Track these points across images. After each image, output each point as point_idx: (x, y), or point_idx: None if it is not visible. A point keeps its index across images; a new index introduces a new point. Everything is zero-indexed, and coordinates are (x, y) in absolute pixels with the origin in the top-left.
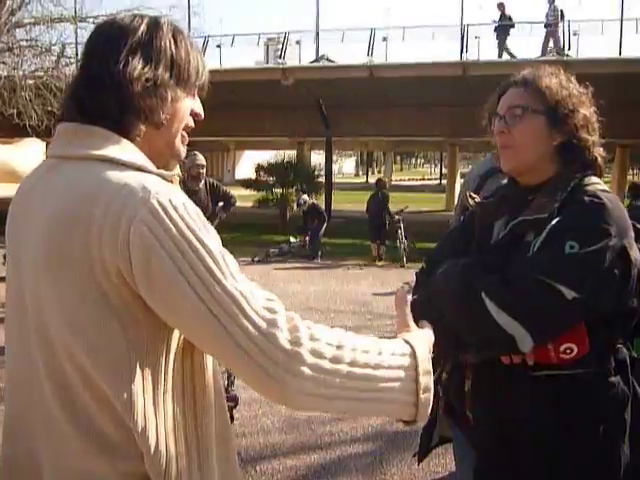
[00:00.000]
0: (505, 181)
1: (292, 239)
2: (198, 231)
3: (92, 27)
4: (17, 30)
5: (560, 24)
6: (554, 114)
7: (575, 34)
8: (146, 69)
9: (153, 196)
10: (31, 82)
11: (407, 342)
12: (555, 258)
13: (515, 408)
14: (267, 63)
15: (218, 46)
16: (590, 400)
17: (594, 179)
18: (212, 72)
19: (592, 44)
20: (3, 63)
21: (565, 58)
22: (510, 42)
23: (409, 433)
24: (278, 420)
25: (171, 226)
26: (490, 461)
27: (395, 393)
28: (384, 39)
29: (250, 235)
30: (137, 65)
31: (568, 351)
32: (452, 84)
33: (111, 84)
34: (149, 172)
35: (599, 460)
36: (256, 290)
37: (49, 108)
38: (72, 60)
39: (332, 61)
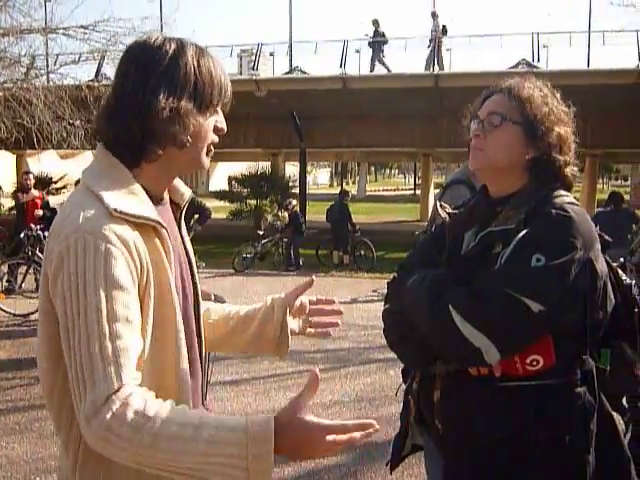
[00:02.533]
0: (463, 191)
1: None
2: (92, 277)
3: (62, 38)
4: None
5: (443, 39)
6: (531, 128)
7: (544, 46)
8: (170, 99)
9: (85, 232)
10: (0, 94)
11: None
12: (521, 271)
13: (482, 418)
14: (240, 75)
15: None
16: (556, 411)
17: (562, 192)
18: None
19: (561, 56)
20: None
21: (534, 70)
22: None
23: (382, 444)
24: None
25: (78, 263)
26: (457, 470)
27: (216, 467)
28: (357, 51)
29: (225, 247)
30: (162, 96)
31: (534, 363)
32: (424, 95)
33: (138, 114)
34: (120, 215)
35: (565, 471)
36: (123, 355)
37: (19, 120)
38: (42, 72)
39: (305, 73)
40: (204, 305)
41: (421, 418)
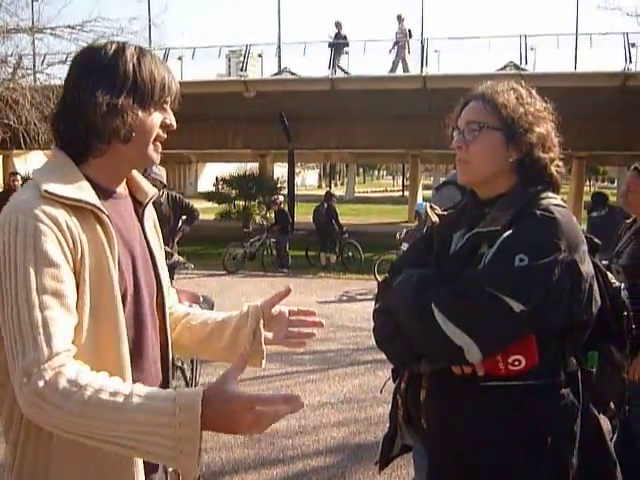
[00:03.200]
0: (452, 192)
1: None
2: (22, 252)
3: (49, 38)
4: None
5: (407, 42)
6: (510, 131)
7: (532, 49)
8: (108, 96)
9: (15, 211)
10: None
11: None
12: (504, 271)
13: (466, 418)
14: (229, 76)
15: (179, 58)
16: (540, 411)
17: (550, 194)
18: None
19: (549, 58)
20: None
21: (522, 72)
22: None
23: (371, 445)
24: (240, 435)
25: (10, 240)
26: (442, 469)
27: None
28: (346, 53)
29: (212, 248)
30: (101, 93)
31: (516, 363)
32: (413, 97)
33: (80, 112)
34: (51, 196)
35: (549, 471)
36: (53, 325)
37: (5, 120)
38: (29, 72)
39: (294, 74)
40: (186, 310)
41: (409, 418)
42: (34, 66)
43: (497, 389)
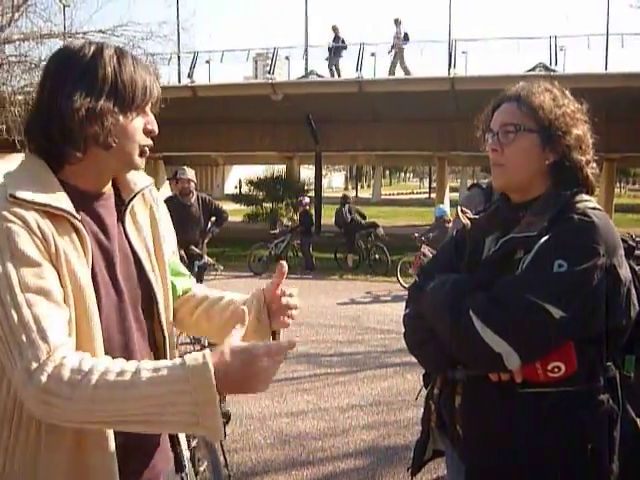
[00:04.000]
0: (475, 194)
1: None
2: (2, 256)
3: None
4: (6, 46)
5: (404, 45)
6: (547, 133)
7: (562, 49)
8: (87, 100)
9: None
10: (20, 98)
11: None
12: (543, 277)
13: (503, 425)
14: (256, 78)
15: (207, 62)
16: (579, 418)
17: (585, 197)
18: (201, 88)
19: (579, 59)
20: None
21: (552, 73)
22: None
23: (401, 448)
24: (269, 436)
25: None
26: (478, 474)
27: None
28: (372, 54)
29: (241, 250)
30: (79, 97)
31: (556, 370)
32: (440, 99)
33: (56, 117)
34: (18, 201)
35: (588, 478)
36: (44, 320)
37: None
38: None
39: (321, 76)
40: (203, 293)
41: (442, 423)
42: None
43: (535, 395)
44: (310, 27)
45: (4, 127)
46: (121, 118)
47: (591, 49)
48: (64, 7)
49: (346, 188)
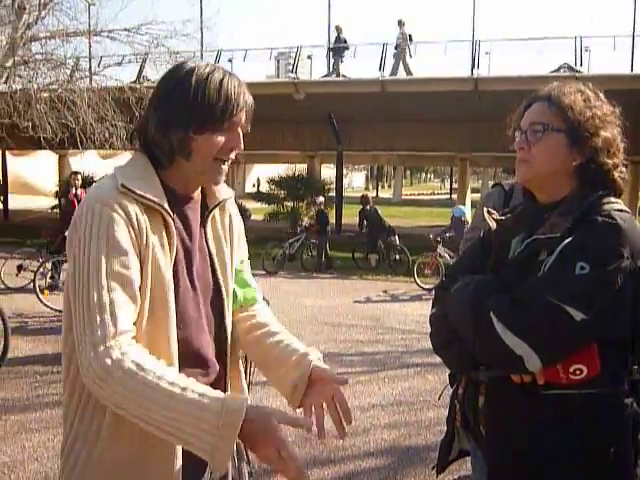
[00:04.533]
0: (494, 193)
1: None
2: (96, 238)
3: (106, 41)
4: (33, 44)
5: (407, 47)
6: (575, 134)
7: (587, 50)
8: (165, 117)
9: (94, 200)
10: (46, 95)
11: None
12: (564, 279)
13: (526, 426)
14: (278, 77)
15: (230, 60)
16: (602, 420)
17: (612, 199)
18: None
19: (604, 60)
20: (19, 76)
21: (577, 74)
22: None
23: (422, 448)
24: (290, 434)
25: (87, 227)
26: (500, 475)
27: (185, 425)
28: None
29: (260, 248)
30: (161, 114)
31: (578, 372)
32: (463, 99)
33: (147, 125)
34: (126, 191)
35: None
36: (119, 307)
37: (63, 121)
38: (86, 74)
39: (344, 75)
40: (265, 320)
41: (467, 423)
42: (90, 68)
43: (558, 397)
44: (332, 26)
45: (30, 124)
46: (194, 135)
47: (617, 50)
48: (89, 5)
49: (367, 188)
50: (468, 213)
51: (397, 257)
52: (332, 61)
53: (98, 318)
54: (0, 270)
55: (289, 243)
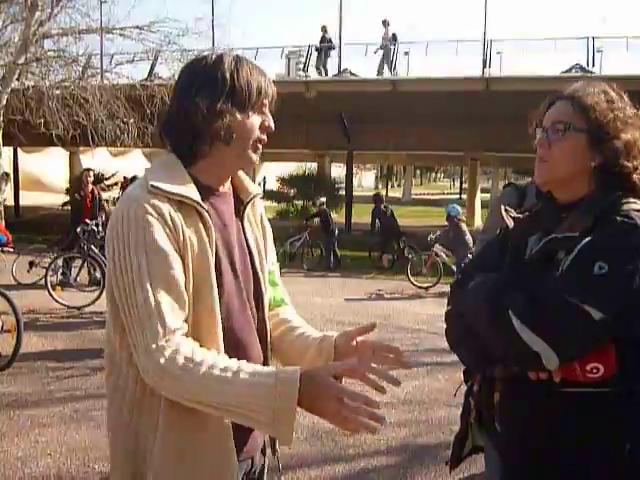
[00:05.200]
0: (509, 193)
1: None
2: (134, 244)
3: (117, 38)
4: (45, 41)
5: (392, 46)
6: (596, 135)
7: (599, 51)
8: (208, 100)
9: (127, 204)
10: (58, 92)
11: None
12: (583, 278)
13: (542, 423)
14: (288, 76)
15: None
16: (618, 419)
17: (631, 199)
18: None
19: (617, 61)
20: (31, 73)
21: (589, 75)
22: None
23: (433, 447)
24: (302, 431)
25: (124, 230)
26: (516, 475)
27: (246, 405)
28: (406, 53)
29: None
30: (202, 99)
31: (595, 370)
32: (474, 99)
33: (184, 118)
34: (157, 191)
35: (626, 478)
36: (165, 307)
37: (75, 118)
38: (98, 71)
39: (355, 75)
40: (287, 316)
41: (481, 420)
42: (101, 65)
43: (574, 395)
44: (344, 25)
45: (42, 121)
46: (238, 116)
47: (629, 51)
48: (102, 3)
49: (376, 187)
50: (461, 211)
51: (410, 256)
52: (317, 60)
53: (146, 320)
54: (12, 266)
55: (289, 242)
